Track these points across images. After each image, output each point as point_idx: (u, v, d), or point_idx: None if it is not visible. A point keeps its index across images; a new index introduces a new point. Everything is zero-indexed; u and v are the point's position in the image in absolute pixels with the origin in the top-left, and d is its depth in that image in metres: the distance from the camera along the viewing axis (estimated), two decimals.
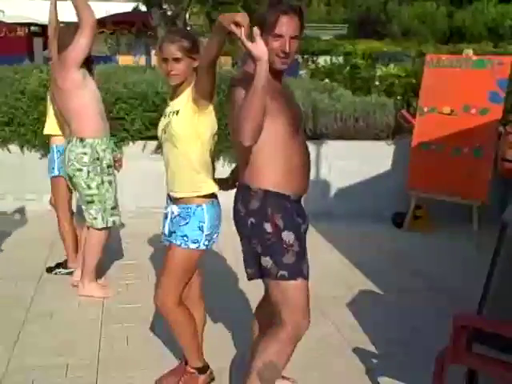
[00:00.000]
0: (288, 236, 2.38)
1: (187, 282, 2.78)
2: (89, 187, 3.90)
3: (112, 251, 4.68)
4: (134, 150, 5.94)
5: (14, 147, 5.86)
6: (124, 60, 16.33)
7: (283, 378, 2.84)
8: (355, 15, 39.40)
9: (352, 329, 3.70)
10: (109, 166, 3.96)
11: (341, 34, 34.11)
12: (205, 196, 2.69)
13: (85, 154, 3.84)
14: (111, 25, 16.04)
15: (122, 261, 4.77)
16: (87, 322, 3.69)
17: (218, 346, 3.34)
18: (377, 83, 7.46)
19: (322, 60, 12.50)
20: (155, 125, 6.13)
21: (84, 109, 3.84)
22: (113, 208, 4.02)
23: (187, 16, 14.46)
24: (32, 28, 19.24)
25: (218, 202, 2.77)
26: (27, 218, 5.72)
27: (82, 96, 3.83)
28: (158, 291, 2.75)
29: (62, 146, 4.08)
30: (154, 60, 15.76)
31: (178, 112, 2.63)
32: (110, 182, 3.97)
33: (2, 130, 5.85)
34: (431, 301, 4.16)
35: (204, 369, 2.96)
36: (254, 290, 3.26)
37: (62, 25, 4.07)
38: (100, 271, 4.45)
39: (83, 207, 4.02)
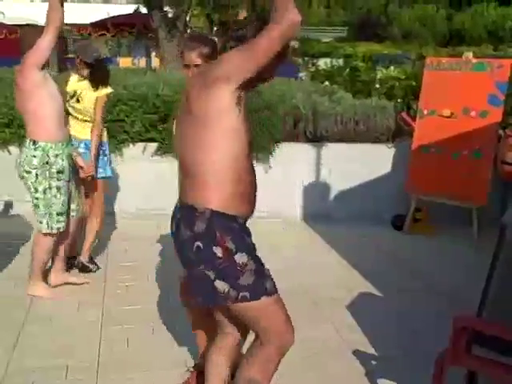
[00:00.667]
0: (241, 258, 2.18)
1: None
2: (36, 190, 3.88)
3: (111, 253, 4.69)
4: (134, 152, 5.94)
5: (14, 149, 5.85)
6: (124, 62, 16.38)
7: None
8: (355, 17, 39.43)
9: (351, 331, 3.70)
10: (59, 172, 3.89)
11: (341, 36, 34.13)
12: None
13: (34, 156, 3.83)
14: (112, 27, 16.08)
15: (121, 262, 4.77)
16: (87, 324, 3.68)
17: None
18: (377, 86, 7.47)
19: (322, 62, 12.51)
20: (155, 127, 6.20)
21: (40, 111, 3.82)
22: (59, 214, 3.94)
23: (188, 18, 14.47)
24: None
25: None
26: (27, 220, 5.72)
27: (40, 97, 3.80)
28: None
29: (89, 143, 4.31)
30: (155, 62, 15.79)
31: None
32: (58, 188, 3.90)
33: (2, 131, 5.85)
34: (431, 303, 4.16)
35: None
36: None
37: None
38: (99, 273, 4.46)
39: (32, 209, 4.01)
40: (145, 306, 3.96)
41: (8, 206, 5.97)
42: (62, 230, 4.00)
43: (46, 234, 3.97)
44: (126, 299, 4.08)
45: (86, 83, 4.36)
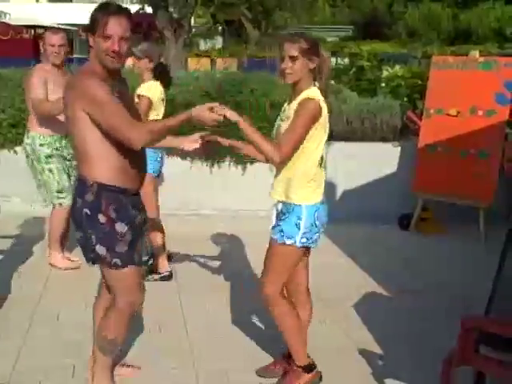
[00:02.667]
0: (121, 227, 2.58)
1: (289, 278, 2.88)
2: (35, 173, 4.53)
3: None
4: None
5: (20, 149, 5.87)
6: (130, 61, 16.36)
7: (128, 366, 3.11)
8: (360, 17, 39.36)
9: (358, 330, 3.69)
10: (47, 156, 4.43)
11: (346, 35, 34.09)
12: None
13: (28, 144, 4.48)
14: None
15: None
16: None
17: (224, 346, 3.35)
18: (383, 85, 7.44)
19: None
20: None
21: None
22: (58, 191, 4.48)
23: (192, 18, 14.49)
24: (38, 31, 19.32)
25: (324, 205, 2.83)
26: (33, 220, 5.73)
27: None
28: (260, 282, 2.87)
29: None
30: None
31: (288, 118, 2.72)
32: (50, 170, 4.45)
33: (9, 132, 5.88)
34: (438, 302, 4.15)
35: (310, 367, 2.98)
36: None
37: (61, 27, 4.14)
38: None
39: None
40: (149, 305, 3.95)
41: (14, 205, 5.98)
42: (65, 204, 4.43)
43: (55, 209, 4.53)
44: None
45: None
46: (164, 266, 4.42)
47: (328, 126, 2.77)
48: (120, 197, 2.59)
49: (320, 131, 2.71)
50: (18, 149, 5.89)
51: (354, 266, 4.89)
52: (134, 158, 2.60)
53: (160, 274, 4.40)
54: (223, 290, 4.24)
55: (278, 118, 2.86)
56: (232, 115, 2.59)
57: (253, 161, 5.70)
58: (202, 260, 4.74)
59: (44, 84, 4.30)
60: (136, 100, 4.15)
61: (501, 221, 4.98)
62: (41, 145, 4.42)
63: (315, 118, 2.65)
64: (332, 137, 6.33)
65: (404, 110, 6.47)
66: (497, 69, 5.54)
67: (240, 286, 4.30)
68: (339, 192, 6.30)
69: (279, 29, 20.25)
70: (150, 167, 4.28)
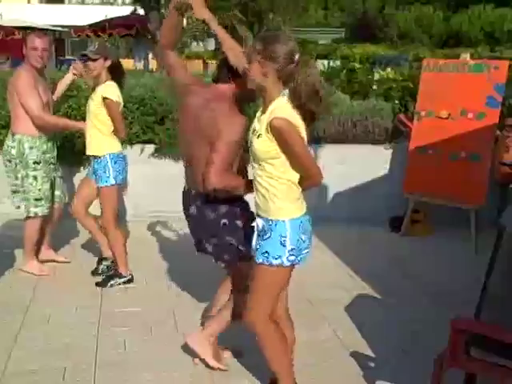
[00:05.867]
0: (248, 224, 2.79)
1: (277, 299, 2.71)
2: (15, 178, 4.36)
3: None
4: (131, 154, 5.92)
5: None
6: (123, 63, 16.32)
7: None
8: (352, 19, 39.46)
9: (349, 332, 3.70)
10: (35, 163, 4.31)
11: (338, 37, 34.16)
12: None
13: (13, 147, 4.31)
14: (110, 29, 16.06)
15: None
16: (85, 326, 3.68)
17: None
18: (374, 87, 7.46)
19: (320, 64, 12.50)
20: (152, 128, 6.20)
21: (19, 107, 4.25)
22: (36, 199, 4.35)
23: (185, 20, 14.51)
24: (29, 32, 19.25)
25: (307, 216, 2.64)
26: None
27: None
28: (248, 310, 2.67)
29: (115, 154, 4.26)
30: (152, 64, 15.78)
31: (261, 136, 2.47)
32: (34, 177, 4.32)
33: (0, 133, 5.85)
34: (429, 304, 4.17)
35: None
36: None
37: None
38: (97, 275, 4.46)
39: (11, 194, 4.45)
40: (143, 308, 3.95)
41: (5, 208, 5.94)
42: (41, 214, 4.40)
43: (29, 217, 4.40)
44: (124, 301, 4.08)
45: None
46: (125, 269, 4.40)
47: (305, 134, 2.53)
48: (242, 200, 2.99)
49: None
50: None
51: (345, 268, 4.90)
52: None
53: (123, 277, 4.39)
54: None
55: (252, 127, 2.60)
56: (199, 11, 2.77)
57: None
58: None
59: (37, 89, 4.23)
60: (98, 102, 4.17)
61: (491, 223, 5.00)
62: (30, 148, 4.30)
63: (298, 133, 2.43)
64: (323, 139, 6.40)
65: (396, 113, 6.49)
66: (487, 71, 5.57)
67: None
68: (330, 194, 6.32)
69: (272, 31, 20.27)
70: (121, 177, 4.31)
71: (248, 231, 2.77)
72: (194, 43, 23.75)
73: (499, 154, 5.71)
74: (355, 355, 3.39)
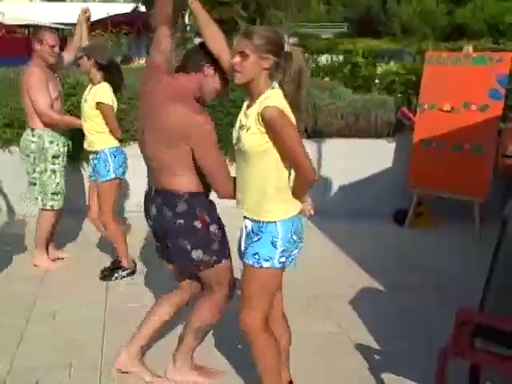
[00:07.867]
0: (214, 228, 2.73)
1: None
2: (34, 171, 4.44)
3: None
4: (133, 151, 5.92)
5: (15, 149, 5.86)
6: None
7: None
8: (355, 14, 39.35)
9: (355, 326, 3.70)
10: (54, 157, 4.43)
11: (341, 32, 34.09)
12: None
13: (33, 142, 4.38)
14: (111, 26, 16.06)
15: None
16: (90, 322, 3.69)
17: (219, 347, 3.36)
18: (377, 81, 7.45)
19: (323, 58, 12.48)
20: None
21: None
22: (53, 193, 4.47)
23: (186, 16, 14.46)
24: (31, 30, 19.25)
25: (299, 217, 2.52)
26: (26, 220, 5.73)
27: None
28: (243, 315, 2.53)
29: (114, 149, 4.36)
30: None
31: (249, 129, 2.38)
32: (53, 171, 4.45)
33: (3, 131, 5.87)
34: (434, 297, 4.17)
35: None
36: None
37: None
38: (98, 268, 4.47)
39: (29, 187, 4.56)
40: (148, 303, 3.95)
41: (8, 206, 5.97)
42: (57, 208, 4.53)
43: (45, 210, 4.50)
44: (130, 297, 4.09)
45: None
46: (127, 262, 4.46)
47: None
48: (207, 201, 2.75)
49: None
50: (12, 148, 5.88)
51: (349, 261, 4.90)
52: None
53: (126, 269, 4.45)
54: None
55: (237, 124, 2.51)
56: None
57: None
58: None
59: (47, 86, 4.31)
60: (92, 106, 4.22)
61: (495, 215, 4.98)
62: (50, 142, 4.40)
63: (290, 122, 2.33)
64: (326, 133, 6.39)
65: (398, 106, 6.48)
66: (490, 64, 5.55)
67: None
68: (334, 188, 6.31)
69: (273, 27, 20.25)
70: (121, 171, 4.38)
71: (209, 236, 2.70)
72: (197, 39, 23.73)
73: (503, 147, 5.69)
74: (360, 349, 3.39)
